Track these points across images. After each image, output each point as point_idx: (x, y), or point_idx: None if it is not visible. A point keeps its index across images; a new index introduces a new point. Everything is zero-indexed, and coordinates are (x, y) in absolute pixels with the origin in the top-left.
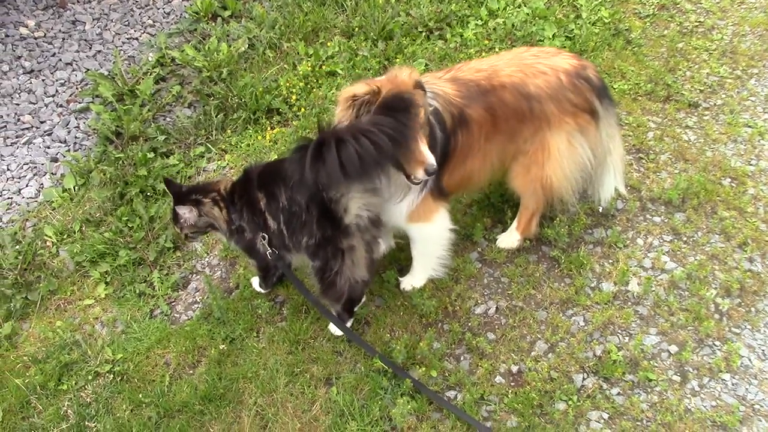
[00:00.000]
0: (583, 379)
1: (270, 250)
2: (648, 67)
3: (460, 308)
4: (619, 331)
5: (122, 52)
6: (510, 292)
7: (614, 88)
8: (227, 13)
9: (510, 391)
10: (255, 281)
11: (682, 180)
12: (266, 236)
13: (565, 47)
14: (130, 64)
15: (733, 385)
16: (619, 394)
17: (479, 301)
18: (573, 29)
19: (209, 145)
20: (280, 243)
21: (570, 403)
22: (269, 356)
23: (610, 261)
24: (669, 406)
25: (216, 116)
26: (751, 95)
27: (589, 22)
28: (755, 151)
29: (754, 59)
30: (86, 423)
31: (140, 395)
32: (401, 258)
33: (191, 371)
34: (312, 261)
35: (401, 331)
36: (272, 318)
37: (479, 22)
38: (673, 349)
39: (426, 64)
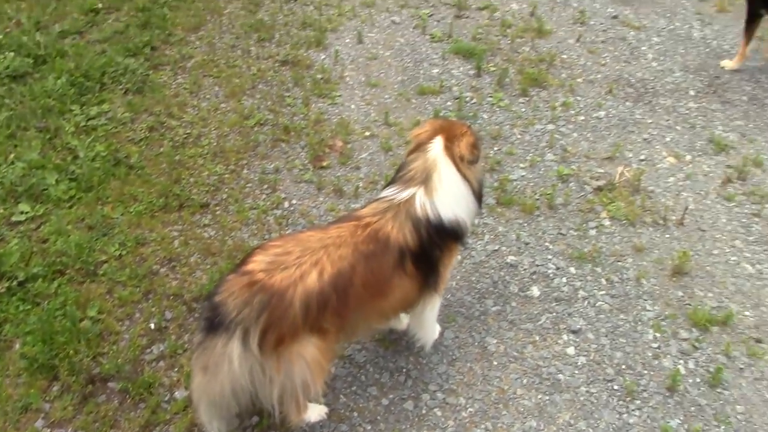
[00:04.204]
0: None
1: None
2: (155, 184)
3: None
4: None
5: None
6: None
7: (130, 212)
8: None
9: None
10: None
11: (214, 272)
12: None
13: (71, 188)
14: None
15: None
16: None
17: None
18: (74, 170)
19: None
20: None
21: None
22: None
23: (176, 369)
24: None
25: None
26: (247, 183)
27: (89, 159)
28: (264, 227)
29: (240, 153)
30: None
31: None
32: None
33: None
34: None
35: None
36: None
37: None
38: None
39: None
